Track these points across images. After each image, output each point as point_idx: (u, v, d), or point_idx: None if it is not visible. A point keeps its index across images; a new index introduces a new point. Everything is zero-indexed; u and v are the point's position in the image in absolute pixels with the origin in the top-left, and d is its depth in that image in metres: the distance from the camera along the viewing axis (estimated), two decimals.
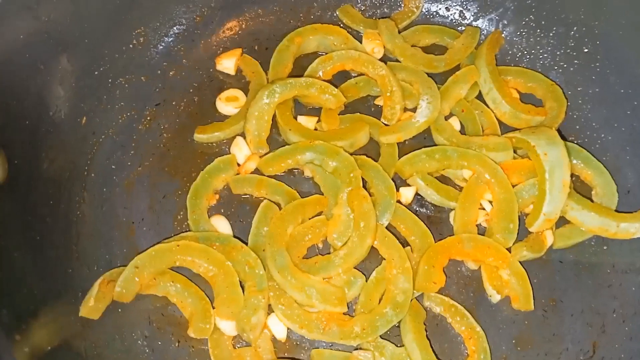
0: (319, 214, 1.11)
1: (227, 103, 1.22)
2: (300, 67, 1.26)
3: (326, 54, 1.26)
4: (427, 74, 1.24)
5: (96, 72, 1.13)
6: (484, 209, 1.14)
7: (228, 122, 1.20)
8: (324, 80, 1.20)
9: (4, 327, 0.69)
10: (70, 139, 1.07)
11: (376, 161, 1.15)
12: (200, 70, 1.26)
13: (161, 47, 1.25)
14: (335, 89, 1.19)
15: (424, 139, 1.21)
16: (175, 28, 1.26)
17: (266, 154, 1.15)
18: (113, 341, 1.00)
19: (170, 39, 1.26)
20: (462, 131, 1.22)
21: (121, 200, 1.13)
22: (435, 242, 1.09)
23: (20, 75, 0.92)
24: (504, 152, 1.14)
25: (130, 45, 1.19)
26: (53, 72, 1.00)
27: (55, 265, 0.98)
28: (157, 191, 1.15)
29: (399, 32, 1.30)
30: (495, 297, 1.07)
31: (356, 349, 1.01)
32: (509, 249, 1.08)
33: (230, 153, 1.17)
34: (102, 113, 1.15)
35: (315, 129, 1.20)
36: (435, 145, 1.19)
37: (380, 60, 1.25)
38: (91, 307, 0.97)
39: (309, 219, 1.10)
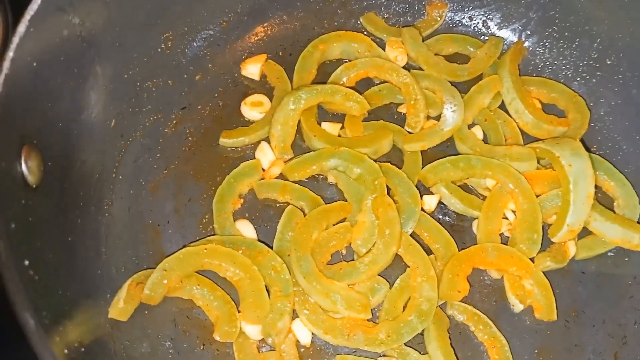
0: (343, 220, 1.12)
1: (252, 108, 1.22)
2: (324, 74, 1.26)
3: (350, 61, 1.27)
4: (450, 82, 1.25)
5: (125, 76, 1.13)
6: (507, 218, 1.15)
7: (253, 127, 1.21)
8: (348, 87, 1.21)
9: (46, 329, 0.69)
10: (100, 141, 1.08)
11: (400, 169, 1.16)
12: (225, 75, 1.27)
13: (188, 51, 1.25)
14: (360, 96, 1.19)
15: (446, 147, 1.22)
16: (202, 33, 1.27)
17: (290, 159, 1.16)
18: (140, 342, 1.00)
19: (197, 44, 1.26)
20: (485, 140, 1.23)
21: (147, 202, 1.14)
22: (458, 251, 1.09)
23: (56, 78, 0.93)
24: (527, 162, 1.15)
25: (159, 50, 1.20)
26: (86, 75, 1.01)
27: (85, 266, 0.98)
28: (182, 194, 1.15)
29: (422, 41, 1.31)
30: (518, 307, 1.08)
31: (380, 356, 1.02)
32: (532, 259, 1.09)
33: (254, 158, 1.18)
34: (130, 116, 1.16)
35: (339, 136, 1.21)
36: (458, 153, 1.20)
37: (404, 68, 1.25)
38: (121, 308, 0.97)
39: (333, 225, 1.11)
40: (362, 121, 1.22)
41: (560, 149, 1.12)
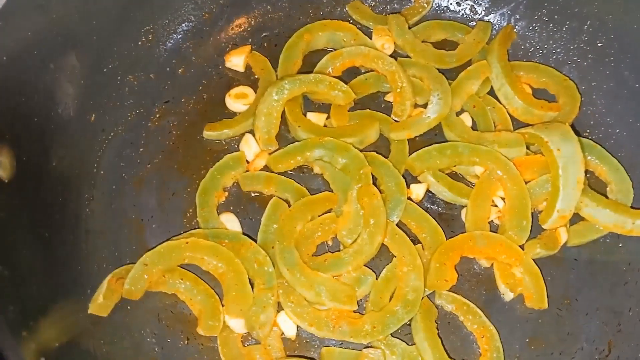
0: (329, 211, 1.10)
1: (237, 100, 1.21)
2: (309, 64, 1.25)
3: (336, 50, 1.25)
4: (438, 69, 1.23)
5: (105, 70, 1.12)
6: (496, 205, 1.12)
7: (237, 119, 1.19)
8: (334, 77, 1.19)
9: (10, 324, 0.68)
10: (79, 136, 1.06)
11: (386, 158, 1.14)
12: (209, 67, 1.26)
13: (170, 44, 1.24)
14: (345, 85, 1.18)
15: (434, 135, 1.19)
16: (183, 25, 1.25)
17: (275, 151, 1.15)
18: (122, 339, 0.99)
19: (179, 36, 1.25)
20: (474, 127, 1.20)
21: (130, 197, 1.12)
22: (446, 240, 1.07)
23: (30, 72, 0.92)
24: (516, 148, 1.13)
25: (139, 43, 1.19)
26: (62, 69, 1.00)
27: (64, 262, 0.97)
28: (166, 188, 1.14)
29: (409, 28, 1.29)
30: (508, 295, 1.06)
31: (366, 347, 1.00)
32: (522, 247, 1.07)
33: (239, 150, 1.16)
34: (111, 110, 1.14)
35: (325, 126, 1.19)
36: (446, 141, 1.18)
37: (391, 56, 1.23)
38: (100, 304, 0.96)
39: (318, 216, 1.09)
40: (348, 110, 1.20)
41: (548, 133, 1.09)
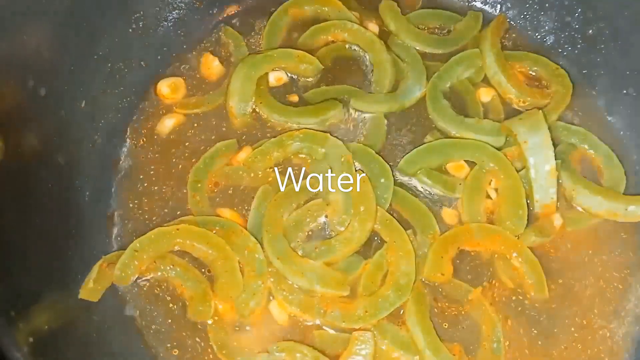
0: (312, 198, 1.09)
1: (169, 94, 1.20)
2: (293, 38, 1.26)
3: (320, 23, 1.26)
4: (429, 53, 1.25)
5: (95, 57, 1.11)
6: (490, 197, 1.12)
7: (210, 98, 1.18)
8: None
9: None
10: (69, 122, 1.05)
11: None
12: (200, 55, 1.24)
13: (161, 32, 1.23)
14: (313, 58, 1.20)
15: (419, 117, 1.19)
16: (174, 12, 1.25)
17: (255, 147, 1.12)
18: (113, 323, 0.99)
19: (170, 24, 1.24)
20: (463, 108, 1.20)
21: (121, 184, 1.12)
22: (437, 224, 1.07)
23: (19, 58, 0.92)
24: (495, 137, 1.13)
25: (130, 30, 1.18)
26: (51, 55, 0.99)
27: (54, 248, 0.96)
28: (157, 175, 1.13)
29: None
30: (509, 285, 1.05)
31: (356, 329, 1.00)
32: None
33: (231, 138, 1.15)
34: (102, 97, 1.13)
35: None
36: (431, 124, 1.18)
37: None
38: (90, 289, 0.96)
39: (303, 203, 1.08)
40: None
41: (518, 125, 1.10)
